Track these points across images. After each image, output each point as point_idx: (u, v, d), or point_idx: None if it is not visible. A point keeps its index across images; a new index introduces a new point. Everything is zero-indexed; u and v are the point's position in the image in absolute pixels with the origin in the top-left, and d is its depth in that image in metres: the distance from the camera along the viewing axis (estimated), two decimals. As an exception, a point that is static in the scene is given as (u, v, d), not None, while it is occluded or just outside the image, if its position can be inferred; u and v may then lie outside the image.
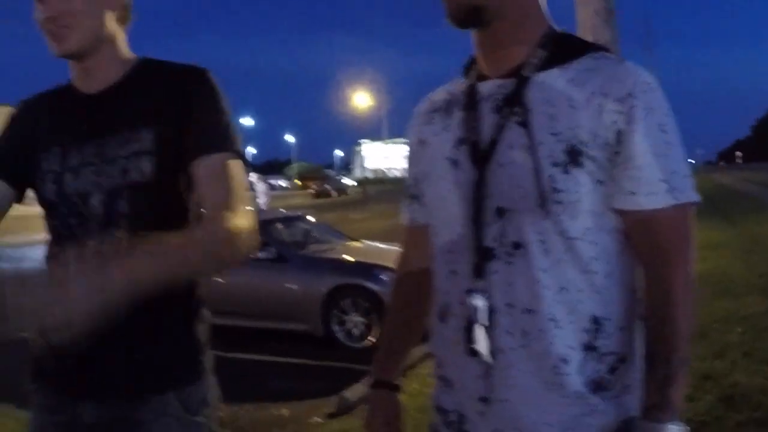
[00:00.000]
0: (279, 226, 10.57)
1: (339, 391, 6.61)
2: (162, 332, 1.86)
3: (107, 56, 1.96)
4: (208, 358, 1.99)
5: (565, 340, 1.54)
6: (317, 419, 6.23)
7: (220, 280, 7.37)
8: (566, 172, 1.52)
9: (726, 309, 8.30)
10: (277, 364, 8.34)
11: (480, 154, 1.63)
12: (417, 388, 5.49)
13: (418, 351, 6.00)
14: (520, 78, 1.62)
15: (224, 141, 1.90)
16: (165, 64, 2.01)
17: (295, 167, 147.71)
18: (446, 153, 1.71)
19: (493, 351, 1.59)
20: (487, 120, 1.64)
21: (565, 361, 1.54)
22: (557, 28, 1.70)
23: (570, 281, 1.55)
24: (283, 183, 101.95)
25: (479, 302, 1.59)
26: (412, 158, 1.91)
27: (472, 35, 1.71)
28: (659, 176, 1.52)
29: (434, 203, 1.77)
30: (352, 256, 9.96)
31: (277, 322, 9.33)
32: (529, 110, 1.57)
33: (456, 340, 1.65)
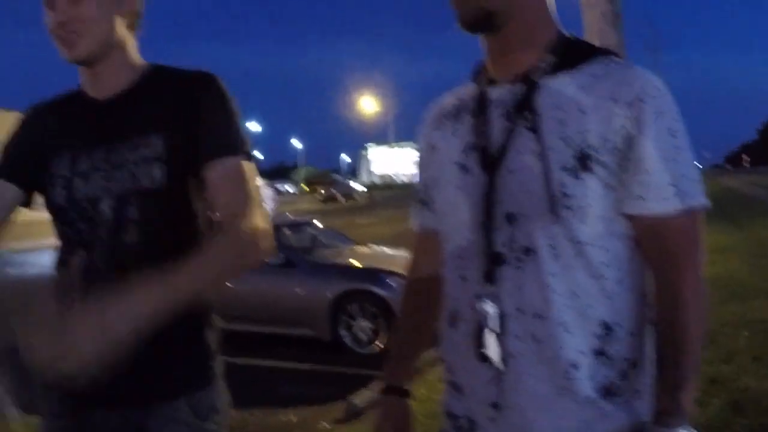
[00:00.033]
0: (286, 231, 10.56)
1: (347, 397, 6.61)
2: (172, 339, 1.86)
3: (117, 62, 1.97)
4: (219, 364, 1.99)
5: (576, 345, 1.54)
6: (325, 425, 6.22)
7: (228, 285, 7.38)
8: (576, 177, 1.52)
9: (733, 313, 8.28)
10: (285, 370, 8.33)
11: (490, 160, 1.63)
12: (425, 394, 5.48)
13: (425, 356, 6.00)
14: (529, 83, 1.62)
15: (235, 144, 1.90)
16: (175, 71, 2.02)
17: (302, 172, 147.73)
18: (456, 158, 1.72)
19: (504, 356, 1.59)
20: (497, 125, 1.64)
21: (575, 366, 1.54)
22: (566, 32, 1.70)
23: (580, 286, 1.54)
24: (289, 188, 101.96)
25: (489, 308, 1.60)
26: (422, 164, 1.91)
27: (482, 40, 1.71)
28: (668, 181, 1.52)
29: (444, 209, 1.77)
30: (359, 261, 9.95)
31: (285, 327, 9.32)
32: (539, 115, 1.58)
33: (466, 345, 1.66)
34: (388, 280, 8.92)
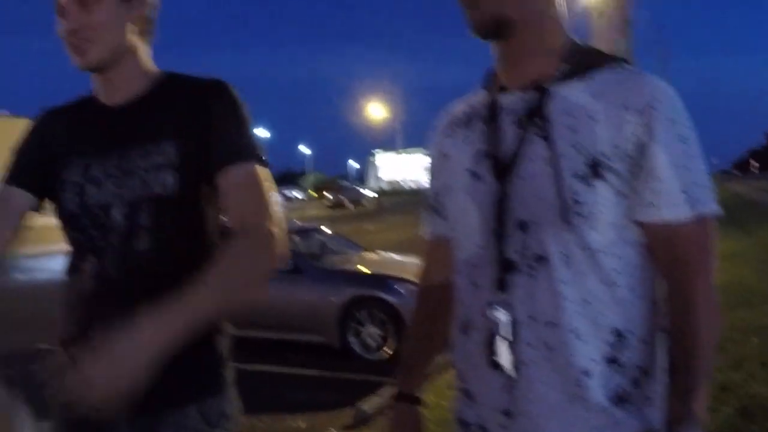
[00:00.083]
0: (295, 237, 10.56)
1: (355, 403, 6.60)
2: (183, 345, 1.87)
3: (129, 69, 1.98)
4: (229, 370, 1.99)
5: (588, 352, 1.54)
6: (333, 431, 6.22)
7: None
8: (588, 184, 1.52)
9: (742, 319, 8.26)
10: (294, 376, 8.33)
11: (501, 167, 1.64)
12: (434, 401, 5.47)
13: (433, 362, 5.98)
14: (541, 91, 1.62)
15: (247, 150, 1.90)
16: (187, 78, 2.02)
17: (310, 178, 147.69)
18: (467, 166, 1.72)
19: (516, 364, 1.59)
20: (509, 133, 1.65)
21: (587, 373, 1.54)
22: (577, 40, 1.70)
23: (592, 294, 1.55)
24: (297, 194, 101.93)
25: (501, 315, 1.60)
26: (434, 171, 1.92)
27: (493, 47, 1.71)
28: (680, 188, 1.52)
29: (456, 216, 1.78)
30: (367, 267, 9.96)
31: (294, 333, 9.32)
32: (550, 123, 1.58)
33: (478, 353, 1.66)
34: (396, 287, 8.92)
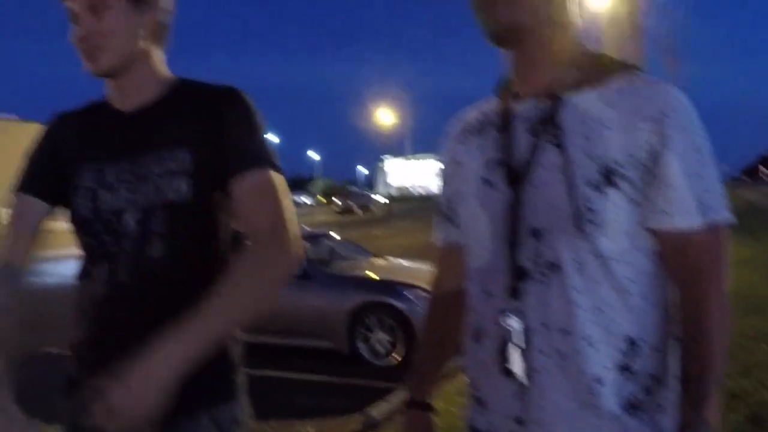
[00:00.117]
0: (304, 243, 10.53)
1: (364, 409, 6.60)
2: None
3: (142, 75, 1.98)
4: (241, 377, 1.99)
5: (600, 360, 1.54)
6: (342, 437, 6.22)
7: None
8: (601, 192, 1.52)
9: (753, 326, 8.23)
10: (302, 382, 8.32)
11: (514, 175, 1.64)
12: (443, 407, 5.47)
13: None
14: (554, 98, 1.62)
15: (261, 156, 1.90)
16: (200, 85, 2.02)
17: (319, 184, 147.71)
18: (480, 173, 1.72)
19: (528, 371, 1.59)
20: (522, 140, 1.65)
21: (599, 381, 1.54)
22: (590, 47, 1.70)
23: (605, 301, 1.55)
24: (306, 200, 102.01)
25: (514, 323, 1.60)
26: (446, 178, 1.92)
27: (507, 55, 1.72)
28: (692, 196, 1.52)
29: (468, 224, 1.78)
30: (376, 273, 9.95)
31: (303, 339, 9.31)
32: (564, 131, 1.58)
33: (490, 360, 1.66)
34: (405, 293, 8.91)
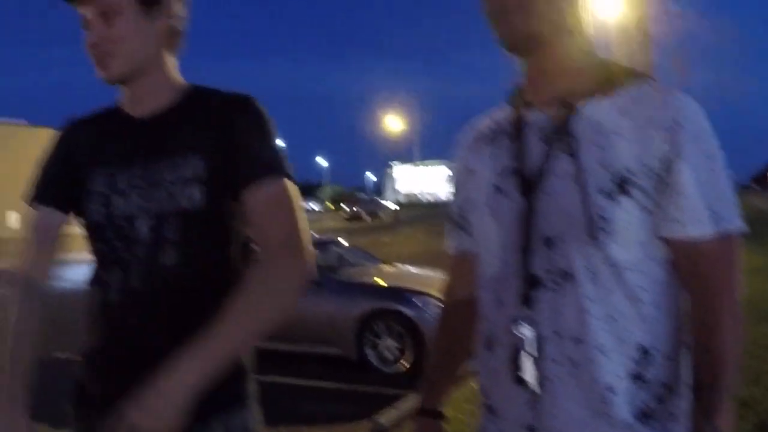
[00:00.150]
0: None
1: (372, 416, 6.59)
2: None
3: (154, 81, 1.97)
4: (252, 384, 1.99)
5: (613, 369, 1.54)
6: (350, 444, 6.21)
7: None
8: (614, 200, 1.53)
9: (764, 334, 8.20)
10: (310, 388, 8.31)
11: (527, 183, 1.64)
12: (452, 414, 5.46)
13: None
14: (567, 107, 1.62)
15: (274, 165, 1.90)
16: (213, 92, 2.01)
17: (327, 190, 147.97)
18: (493, 181, 1.73)
19: (541, 380, 1.59)
20: (535, 149, 1.65)
21: (612, 390, 1.54)
22: (603, 56, 1.70)
23: (618, 310, 1.55)
24: (314, 206, 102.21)
25: (526, 331, 1.60)
26: (458, 187, 1.92)
27: (520, 63, 1.72)
28: (705, 205, 1.52)
29: (481, 232, 1.78)
30: (385, 280, 9.93)
31: (311, 345, 9.30)
32: (577, 139, 1.58)
33: (502, 368, 1.66)
34: (414, 300, 8.90)
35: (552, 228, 1.59)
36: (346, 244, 11.90)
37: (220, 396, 1.84)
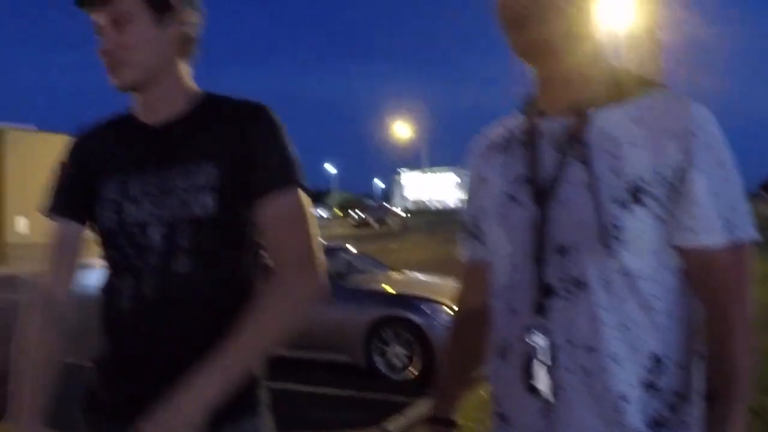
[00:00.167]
0: (320, 256, 10.50)
1: (380, 423, 6.59)
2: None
3: (167, 89, 1.97)
4: (263, 391, 1.98)
5: (625, 377, 1.54)
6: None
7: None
8: (627, 209, 1.52)
9: (773, 343, 8.17)
10: (319, 395, 8.32)
11: (540, 192, 1.64)
12: (461, 422, 5.45)
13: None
14: (580, 115, 1.62)
15: (287, 175, 1.90)
16: (227, 100, 2.00)
17: (336, 197, 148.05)
18: (506, 190, 1.73)
19: (554, 388, 1.59)
20: (548, 157, 1.65)
21: (624, 398, 1.53)
22: (616, 64, 1.71)
23: (630, 319, 1.54)
24: (322, 213, 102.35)
25: (539, 339, 1.60)
26: (471, 195, 1.92)
27: (533, 71, 1.72)
28: (718, 213, 1.52)
29: (493, 240, 1.78)
30: (393, 287, 9.93)
31: (319, 352, 9.30)
32: (590, 148, 1.58)
33: (515, 377, 1.66)
34: (422, 307, 8.90)
35: (565, 236, 1.59)
36: (354, 250, 11.89)
37: (232, 403, 1.84)
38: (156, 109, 1.98)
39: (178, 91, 1.99)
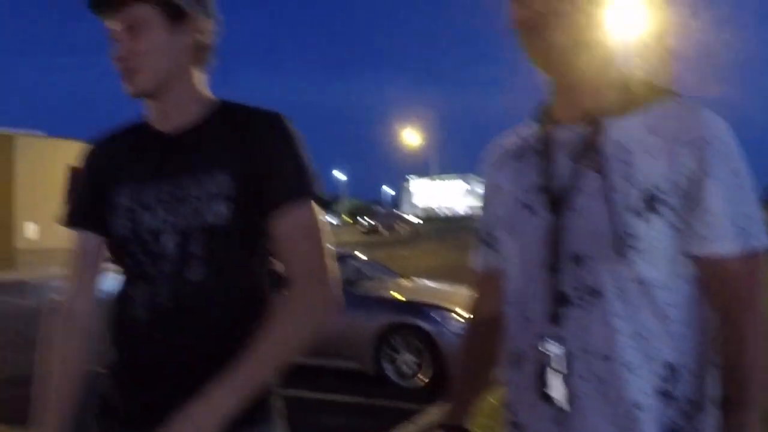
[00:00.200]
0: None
1: (389, 430, 6.58)
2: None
3: (181, 96, 1.96)
4: (277, 400, 1.98)
5: (640, 386, 1.53)
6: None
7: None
8: (642, 218, 1.52)
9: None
10: (328, 402, 8.32)
11: (555, 201, 1.64)
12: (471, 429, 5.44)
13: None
14: (595, 124, 1.62)
15: (301, 187, 1.90)
16: (242, 108, 2.00)
17: (345, 204, 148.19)
18: (521, 198, 1.73)
19: (568, 396, 1.58)
20: (563, 166, 1.65)
21: (639, 407, 1.53)
22: (631, 72, 1.70)
23: (645, 327, 1.54)
24: (332, 220, 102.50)
25: (553, 348, 1.60)
26: (486, 203, 1.93)
27: (547, 79, 1.73)
28: (732, 221, 1.52)
29: (508, 249, 1.78)
30: (402, 294, 9.91)
31: (329, 359, 9.28)
32: (606, 157, 1.58)
33: (528, 385, 1.66)
34: (432, 314, 8.88)
35: (580, 245, 1.59)
36: (363, 257, 11.88)
37: (246, 412, 1.83)
38: (169, 116, 1.97)
39: (192, 98, 1.99)
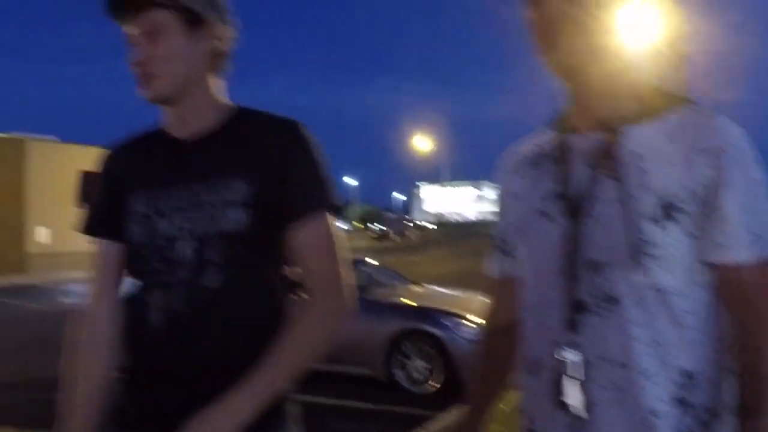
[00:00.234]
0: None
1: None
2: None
3: (198, 103, 1.96)
4: (292, 405, 1.97)
5: (657, 393, 1.53)
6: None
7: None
8: (659, 226, 1.52)
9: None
10: (339, 408, 8.32)
11: (573, 208, 1.64)
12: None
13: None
14: (612, 132, 1.62)
15: (319, 197, 1.91)
16: (260, 115, 2.00)
17: (357, 210, 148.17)
18: (537, 206, 1.73)
19: (586, 404, 1.58)
20: (580, 173, 1.65)
21: (656, 414, 1.53)
22: (648, 80, 1.70)
23: (662, 335, 1.54)
24: (342, 225, 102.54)
25: (570, 355, 1.60)
26: (502, 211, 1.93)
27: (564, 87, 1.73)
28: (749, 229, 1.52)
29: (524, 256, 1.78)
30: (414, 300, 9.92)
31: (340, 365, 9.27)
32: (623, 164, 1.58)
33: (545, 392, 1.66)
34: (443, 320, 8.88)
35: (598, 253, 1.59)
36: (374, 263, 11.88)
37: (260, 417, 1.82)
38: (186, 122, 1.97)
39: (209, 104, 1.98)
